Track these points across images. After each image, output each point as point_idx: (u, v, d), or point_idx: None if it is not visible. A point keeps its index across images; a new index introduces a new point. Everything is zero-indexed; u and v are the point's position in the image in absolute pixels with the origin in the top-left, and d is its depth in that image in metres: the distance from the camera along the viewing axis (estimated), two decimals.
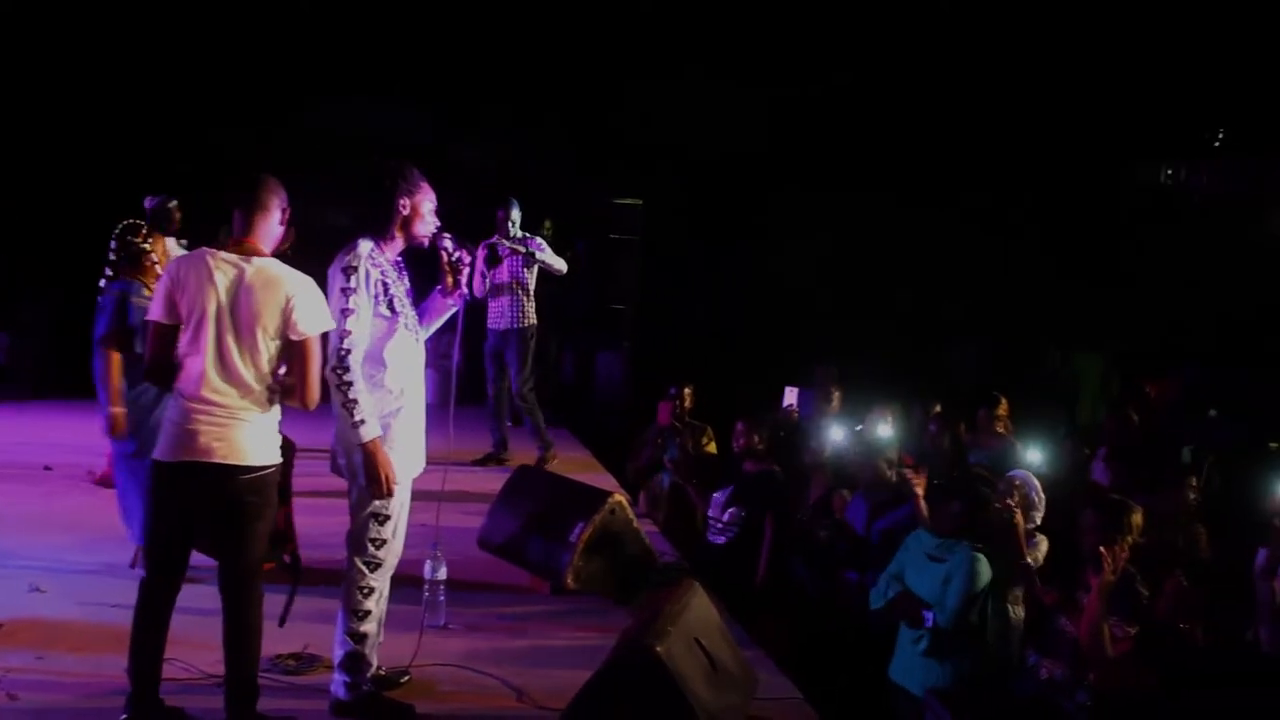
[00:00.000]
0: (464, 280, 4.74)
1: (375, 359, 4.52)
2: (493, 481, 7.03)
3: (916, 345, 13.54)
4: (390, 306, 4.52)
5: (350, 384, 4.38)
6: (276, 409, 4.36)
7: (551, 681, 5.00)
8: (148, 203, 7.67)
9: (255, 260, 4.25)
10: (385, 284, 4.51)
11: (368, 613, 4.64)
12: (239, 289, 4.20)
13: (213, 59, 12.15)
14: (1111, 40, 13.01)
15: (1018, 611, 5.99)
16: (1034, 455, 7.89)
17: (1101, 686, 5.12)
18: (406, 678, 5.01)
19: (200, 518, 4.30)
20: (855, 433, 8.30)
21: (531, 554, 6.41)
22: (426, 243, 4.65)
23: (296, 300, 4.22)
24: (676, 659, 4.02)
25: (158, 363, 4.30)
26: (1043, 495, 6.32)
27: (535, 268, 9.20)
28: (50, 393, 12.86)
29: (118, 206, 7.06)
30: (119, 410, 5.91)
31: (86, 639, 5.19)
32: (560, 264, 9.19)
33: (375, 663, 4.80)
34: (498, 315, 9.28)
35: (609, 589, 6.22)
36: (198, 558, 4.51)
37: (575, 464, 9.45)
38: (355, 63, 12.38)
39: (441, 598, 5.67)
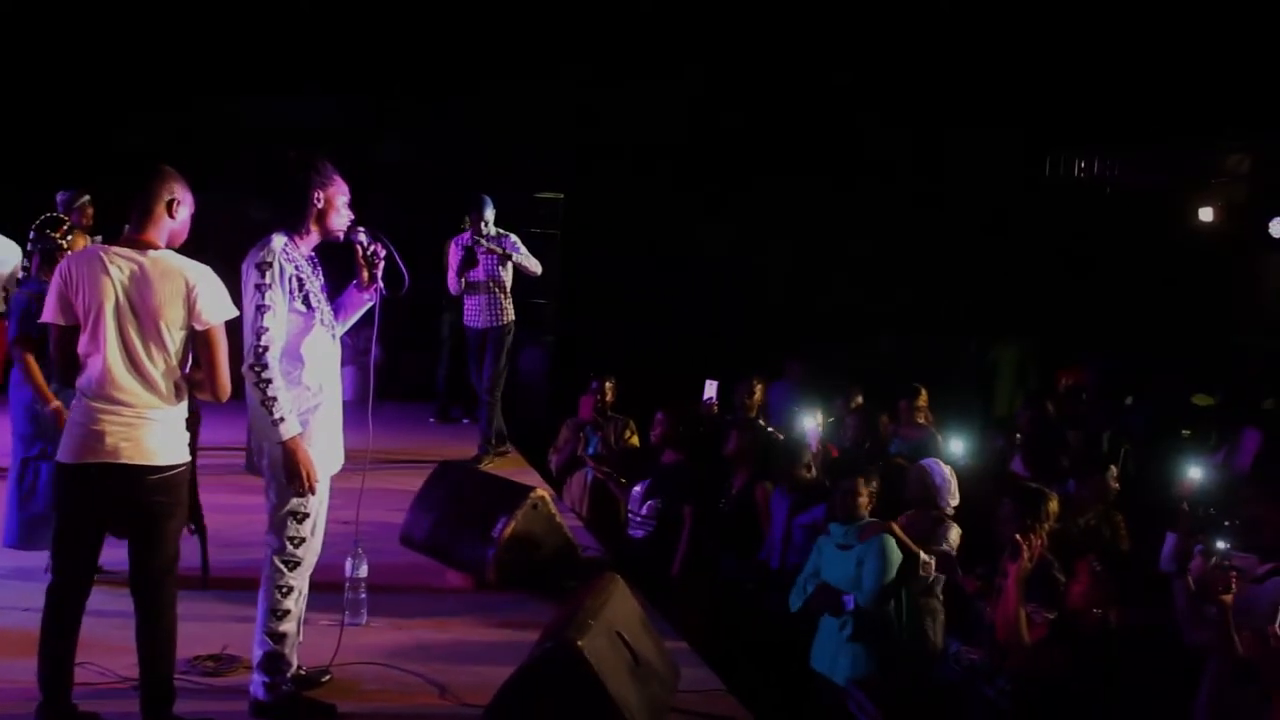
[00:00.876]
0: (379, 274, 4.69)
1: (292, 355, 4.47)
2: (413, 478, 7.03)
3: (840, 338, 13.64)
4: (306, 302, 4.47)
5: (269, 381, 4.33)
6: (184, 405, 4.29)
7: (475, 677, 4.97)
8: (60, 197, 7.54)
9: (151, 253, 4.18)
10: (300, 279, 4.46)
11: (287, 612, 4.59)
12: (138, 283, 4.13)
13: (130, 49, 11.92)
14: (1023, 32, 13.20)
15: (936, 599, 6.09)
16: (956, 446, 8.00)
17: (1018, 672, 5.20)
18: (328, 677, 4.96)
19: (108, 519, 4.23)
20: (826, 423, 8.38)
21: (454, 550, 6.43)
22: (341, 236, 4.61)
23: (199, 289, 4.16)
24: (598, 653, 4.03)
25: (64, 365, 4.22)
26: (948, 478, 6.40)
27: (510, 265, 9.16)
28: None
29: (29, 201, 6.92)
30: (56, 405, 5.76)
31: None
32: (535, 264, 9.17)
33: (295, 662, 4.74)
34: (474, 314, 9.23)
35: (532, 583, 6.25)
36: (110, 560, 4.45)
37: (499, 459, 9.41)
38: (275, 56, 12.22)
39: (363, 595, 5.63)
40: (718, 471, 7.78)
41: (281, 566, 4.57)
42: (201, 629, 5.24)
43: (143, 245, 4.20)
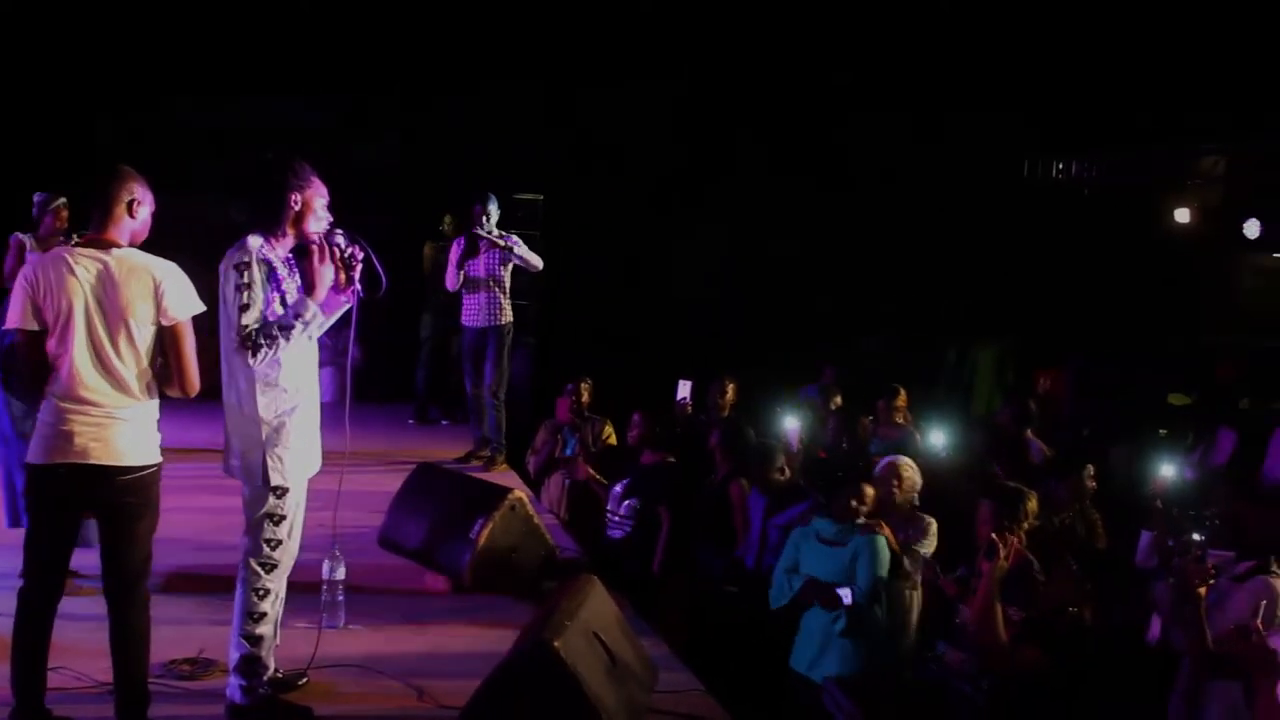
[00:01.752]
0: (357, 276, 4.68)
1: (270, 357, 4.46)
2: (391, 480, 7.02)
3: (819, 340, 13.67)
4: (283, 303, 4.47)
5: (272, 340, 4.35)
6: (155, 404, 4.28)
7: (452, 680, 4.95)
8: (36, 198, 7.52)
9: (115, 252, 4.18)
10: (277, 280, 4.46)
11: (263, 615, 4.58)
12: (105, 282, 4.12)
13: (107, 49, 11.87)
14: (1001, 35, 13.25)
15: (914, 598, 6.11)
16: (937, 437, 8.01)
17: (994, 670, 5.23)
18: (305, 680, 4.95)
19: (79, 521, 4.21)
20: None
21: (432, 552, 6.42)
22: (319, 239, 4.60)
23: (165, 285, 4.16)
24: (575, 654, 4.03)
25: (33, 372, 4.21)
26: (915, 480, 6.41)
27: (511, 265, 9.16)
28: None
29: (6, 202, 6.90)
30: None
31: None
32: (537, 260, 9.16)
33: (272, 665, 4.74)
34: (474, 313, 9.21)
35: (510, 585, 6.25)
36: (86, 564, 4.43)
37: (479, 462, 9.39)
38: (252, 57, 12.19)
39: (340, 598, 5.62)
40: (695, 469, 7.80)
41: (258, 569, 4.56)
42: (178, 632, 5.23)
43: (105, 244, 4.19)
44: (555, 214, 12.33)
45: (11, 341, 4.37)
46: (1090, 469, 7.40)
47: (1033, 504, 5.87)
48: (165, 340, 4.21)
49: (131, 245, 4.26)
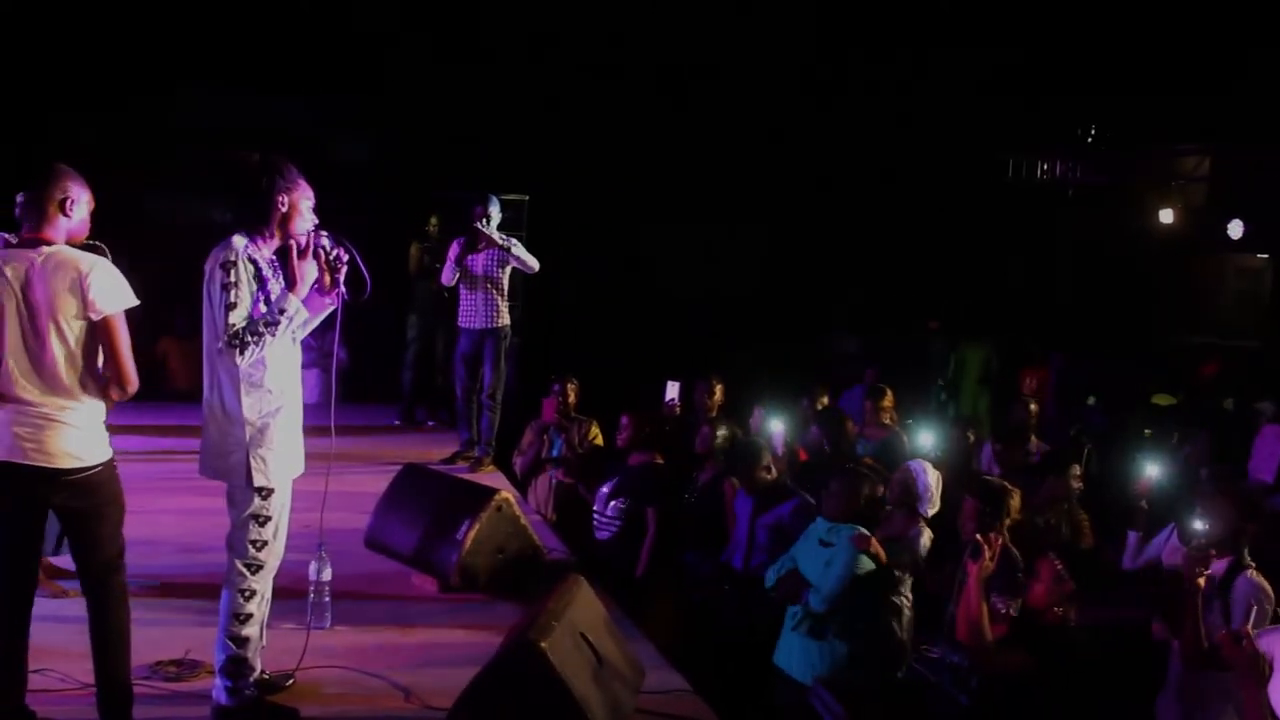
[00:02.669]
0: (341, 278, 4.68)
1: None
2: (377, 481, 7.01)
3: (801, 338, 13.71)
4: (267, 304, 4.46)
5: (257, 337, 4.34)
6: (96, 403, 4.23)
7: (439, 681, 4.95)
8: (19, 198, 7.48)
9: (44, 248, 4.14)
10: (262, 280, 4.45)
11: (249, 616, 4.57)
12: (31, 279, 4.09)
13: (84, 46, 11.84)
14: (988, 37, 13.30)
15: (904, 597, 6.12)
16: (925, 438, 8.02)
17: (980, 670, 5.24)
18: (291, 681, 4.94)
19: (34, 521, 4.20)
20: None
21: (418, 552, 6.41)
22: (304, 240, 4.58)
23: (91, 279, 4.11)
24: (561, 654, 4.03)
25: None
26: (931, 487, 6.43)
27: (509, 268, 9.16)
28: None
29: None
30: None
31: None
32: (534, 262, 9.16)
33: (259, 666, 4.73)
34: (470, 314, 9.19)
35: (497, 586, 6.24)
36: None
37: (467, 462, 9.39)
38: (232, 54, 12.17)
39: (327, 599, 5.60)
40: (683, 470, 7.80)
41: (244, 570, 4.55)
42: (164, 634, 5.23)
43: (36, 243, 4.15)
44: (541, 214, 12.34)
45: None
46: (1076, 469, 7.43)
47: (1015, 500, 5.91)
48: (98, 336, 4.16)
49: (69, 244, 4.22)
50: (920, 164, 14.04)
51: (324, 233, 4.63)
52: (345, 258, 4.68)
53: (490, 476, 8.78)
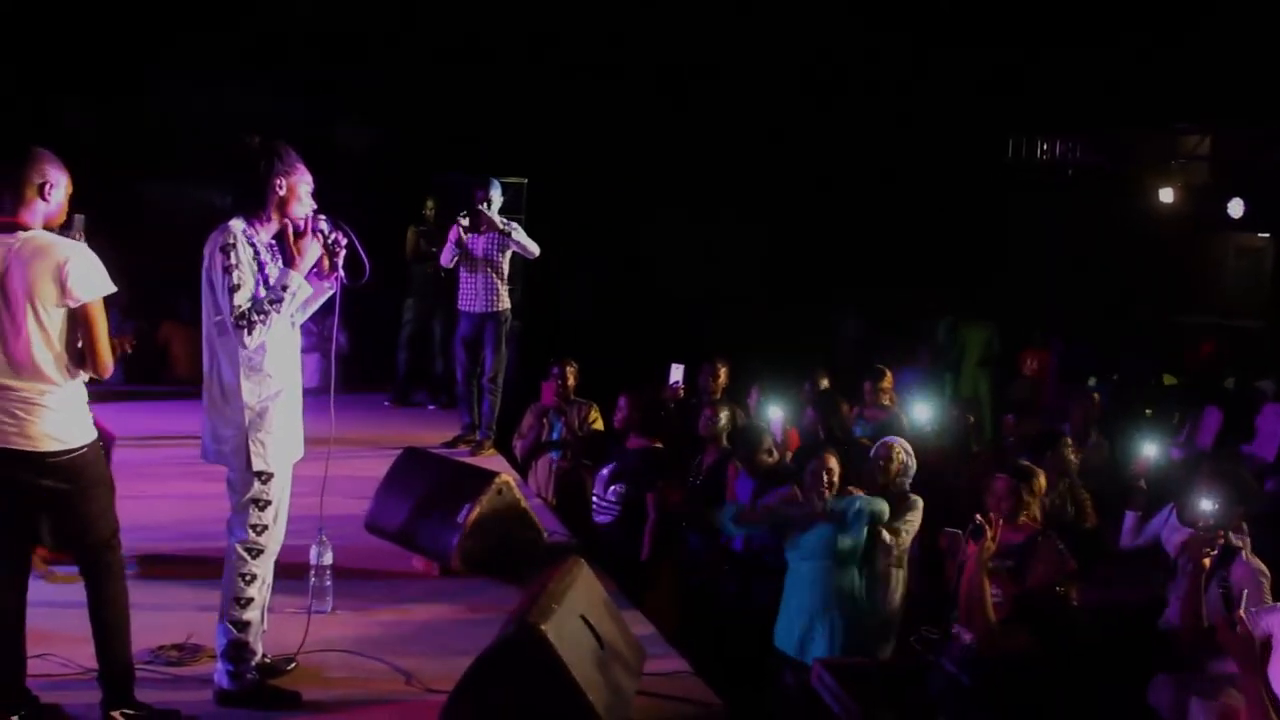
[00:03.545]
0: (340, 262, 4.67)
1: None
2: (377, 466, 7.02)
3: (802, 320, 13.69)
4: (267, 286, 4.45)
5: (263, 316, 4.34)
6: (76, 385, 4.23)
7: (440, 664, 4.97)
8: None
9: (20, 234, 4.11)
10: (260, 264, 4.45)
11: (250, 600, 4.58)
12: (8, 265, 4.06)
13: (81, 31, 11.82)
14: (987, 16, 13.26)
15: (898, 578, 6.16)
16: (921, 412, 8.01)
17: (982, 652, 5.24)
18: (293, 665, 4.95)
19: (21, 503, 4.19)
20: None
21: (419, 536, 6.42)
22: (303, 224, 4.58)
23: (69, 266, 4.08)
24: (562, 637, 4.04)
25: None
26: (910, 454, 6.47)
27: (509, 252, 9.17)
28: None
29: None
30: None
31: None
32: (534, 247, 9.19)
33: (260, 650, 4.74)
34: (470, 298, 9.22)
35: (497, 569, 6.25)
36: None
37: (472, 446, 9.40)
38: (231, 40, 12.15)
39: (328, 583, 5.61)
40: (685, 453, 7.80)
41: (244, 554, 4.56)
42: (165, 618, 5.24)
43: (13, 228, 4.12)
44: (540, 197, 12.33)
45: None
46: (1069, 443, 7.41)
47: (1041, 481, 5.96)
48: (76, 322, 4.14)
49: (45, 228, 4.20)
50: (920, 144, 14.01)
51: (322, 217, 4.63)
52: (344, 241, 4.68)
53: (491, 460, 8.79)
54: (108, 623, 4.26)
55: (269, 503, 4.56)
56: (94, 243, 4.34)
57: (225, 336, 4.44)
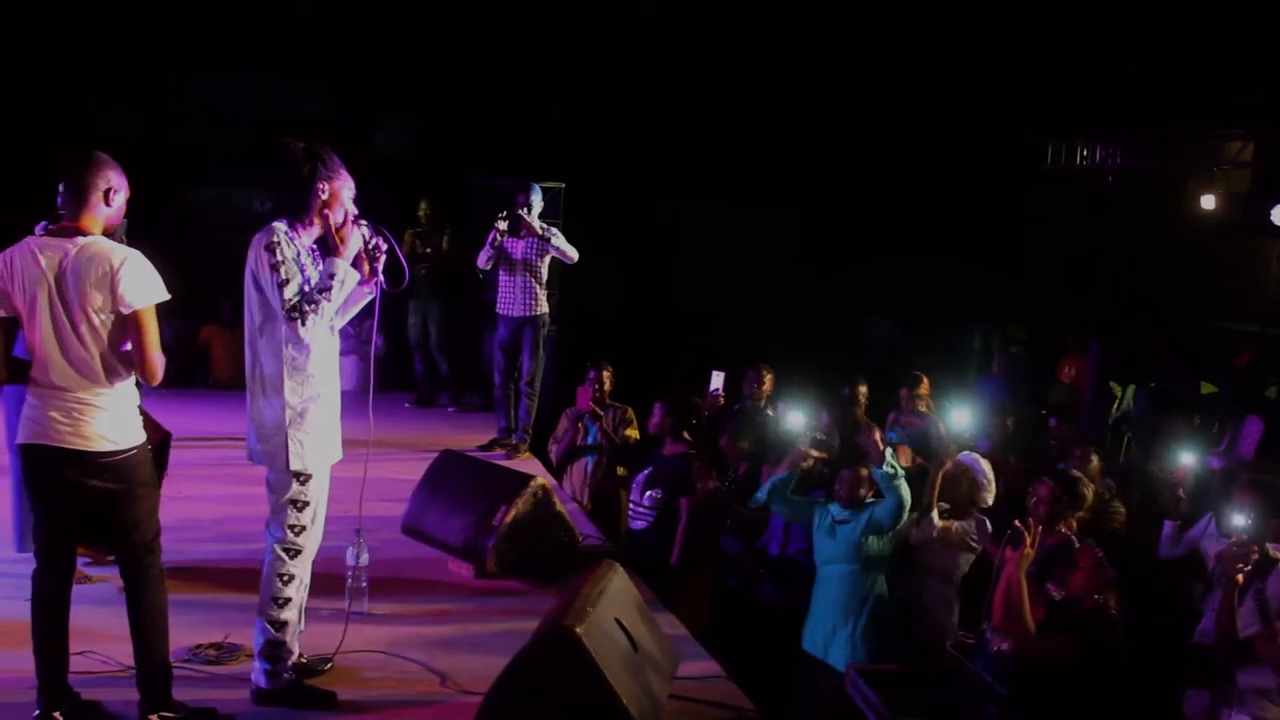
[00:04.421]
0: (380, 267, 4.71)
1: (297, 342, 4.48)
2: (414, 468, 7.05)
3: (834, 325, 13.67)
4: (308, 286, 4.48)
5: (314, 305, 4.37)
6: (127, 388, 4.29)
7: (475, 665, 5.00)
8: (61, 187, 7.55)
9: (79, 239, 4.18)
10: (301, 266, 4.48)
11: (288, 600, 4.62)
12: (65, 269, 4.14)
13: (121, 33, 11.93)
14: (1027, 21, 13.18)
15: (953, 586, 6.17)
16: (960, 417, 7.97)
17: (1020, 659, 5.22)
18: (329, 665, 4.99)
19: (70, 502, 4.25)
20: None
21: (455, 538, 6.45)
22: (343, 215, 4.60)
23: (122, 273, 4.14)
24: (596, 640, 4.05)
25: None
26: (991, 477, 6.43)
27: (548, 257, 9.25)
28: None
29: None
30: None
31: (4, 635, 5.07)
32: (573, 252, 9.27)
33: (297, 650, 4.78)
34: (509, 301, 9.30)
35: (532, 572, 6.27)
36: None
37: (508, 450, 9.43)
38: (268, 44, 12.24)
39: (364, 584, 5.64)
40: (722, 458, 7.80)
41: (282, 555, 4.60)
42: (203, 618, 5.30)
43: (73, 232, 4.20)
44: (577, 202, 12.35)
45: None
46: (1094, 459, 7.35)
47: (1087, 491, 5.96)
48: (127, 328, 4.20)
49: (105, 233, 4.27)
50: (958, 150, 13.94)
51: (364, 222, 4.66)
52: (384, 247, 4.71)
53: (527, 463, 8.82)
54: (146, 627, 4.31)
55: (307, 503, 4.60)
56: (135, 247, 4.39)
57: (269, 336, 4.48)
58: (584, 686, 3.98)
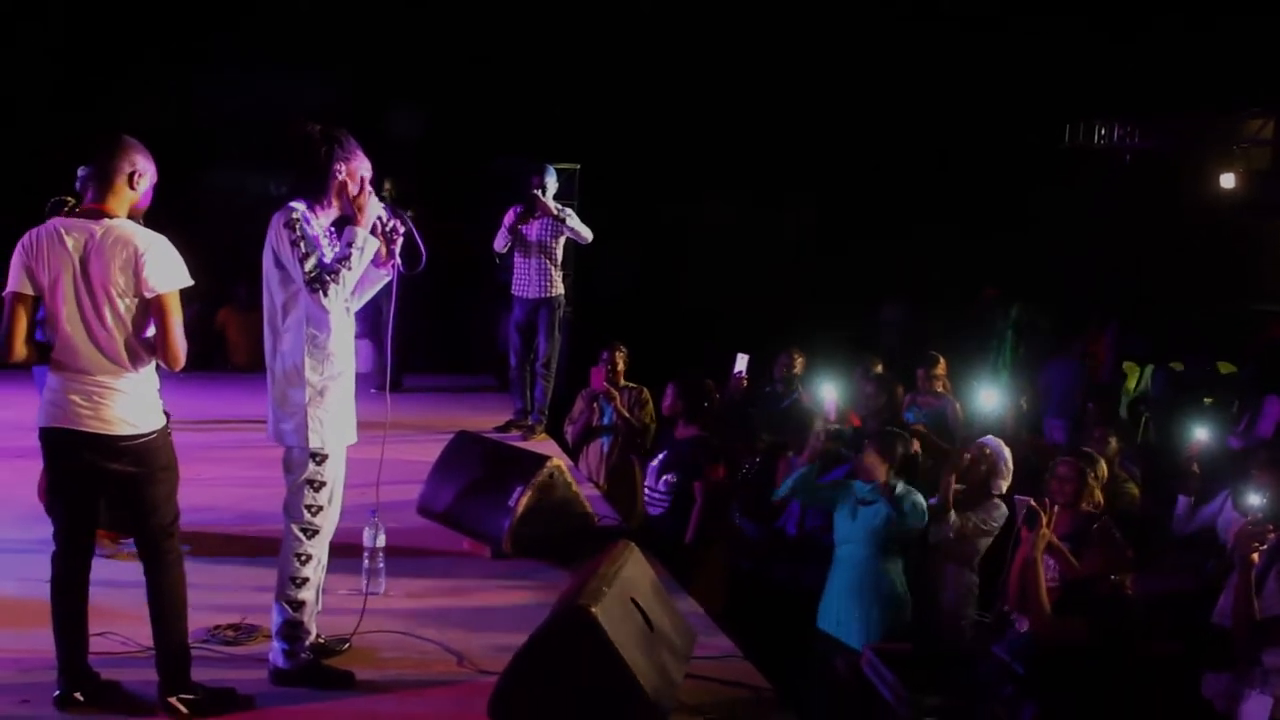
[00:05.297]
0: (397, 250, 4.71)
1: (317, 322, 4.50)
2: (430, 449, 7.07)
3: (851, 306, 13.64)
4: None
5: (335, 274, 4.38)
6: (149, 372, 4.29)
7: (491, 645, 5.01)
8: (81, 172, 7.58)
9: (105, 221, 4.18)
10: (319, 245, 4.48)
11: (305, 580, 4.64)
12: (89, 252, 4.13)
13: (140, 17, 11.96)
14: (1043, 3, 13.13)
15: (972, 572, 6.17)
16: (989, 397, 7.96)
17: (1037, 639, 5.22)
18: (347, 645, 5.01)
19: (90, 485, 4.27)
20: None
21: (470, 519, 6.46)
22: (359, 183, 4.60)
23: (147, 256, 4.14)
24: (612, 619, 4.06)
25: (11, 335, 4.22)
26: (1010, 465, 6.41)
27: (563, 239, 9.25)
28: None
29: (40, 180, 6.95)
30: None
31: (26, 615, 5.09)
32: (587, 233, 9.29)
33: (315, 631, 4.80)
34: (524, 283, 9.32)
35: (548, 553, 6.28)
36: None
37: (523, 432, 9.44)
38: (285, 30, 12.25)
39: (381, 565, 5.67)
40: (740, 440, 7.79)
41: (300, 535, 4.62)
42: (221, 598, 5.32)
43: (99, 215, 4.19)
44: (592, 183, 12.34)
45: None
46: (1112, 441, 7.33)
47: (1103, 468, 5.94)
48: (150, 313, 4.19)
49: (130, 217, 4.27)
50: (977, 129, 13.89)
51: (382, 204, 4.66)
52: (401, 229, 4.71)
53: (543, 445, 8.83)
54: (164, 610, 4.33)
55: (324, 484, 4.62)
56: (152, 229, 4.40)
57: (290, 315, 4.50)
58: (600, 666, 4.00)
